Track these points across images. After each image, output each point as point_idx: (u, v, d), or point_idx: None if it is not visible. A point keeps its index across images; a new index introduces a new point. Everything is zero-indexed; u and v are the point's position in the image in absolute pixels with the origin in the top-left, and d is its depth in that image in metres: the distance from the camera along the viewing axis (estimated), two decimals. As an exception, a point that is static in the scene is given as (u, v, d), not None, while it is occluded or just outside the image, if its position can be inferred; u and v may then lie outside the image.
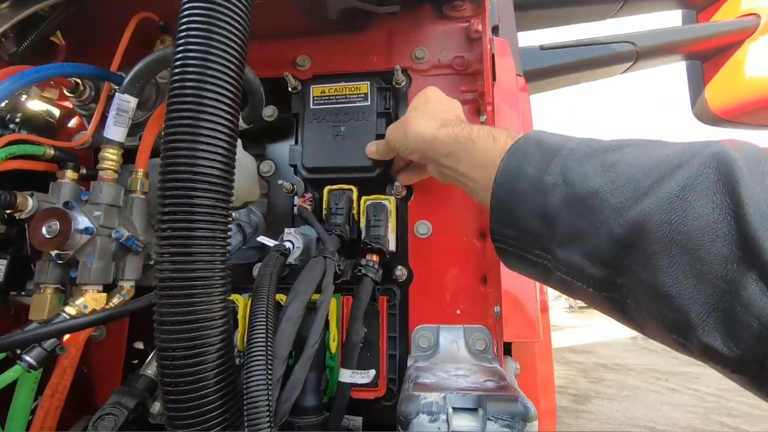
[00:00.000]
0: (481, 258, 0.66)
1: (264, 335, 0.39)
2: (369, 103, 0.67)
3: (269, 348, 0.39)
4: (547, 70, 0.88)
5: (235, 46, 0.39)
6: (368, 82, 0.68)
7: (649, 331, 0.35)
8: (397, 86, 0.71)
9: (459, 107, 0.61)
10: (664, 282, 0.30)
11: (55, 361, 0.58)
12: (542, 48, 0.88)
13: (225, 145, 0.38)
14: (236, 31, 0.39)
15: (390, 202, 0.65)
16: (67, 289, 0.60)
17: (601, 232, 0.34)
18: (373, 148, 0.65)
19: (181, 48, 0.37)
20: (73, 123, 0.80)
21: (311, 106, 0.68)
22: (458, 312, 0.64)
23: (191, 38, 0.37)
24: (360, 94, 0.67)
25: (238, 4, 0.38)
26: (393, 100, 0.70)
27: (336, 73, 0.74)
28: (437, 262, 0.66)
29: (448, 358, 0.60)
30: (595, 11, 0.95)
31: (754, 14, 0.91)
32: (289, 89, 0.72)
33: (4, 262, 0.63)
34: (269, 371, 0.37)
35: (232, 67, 0.38)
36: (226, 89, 0.38)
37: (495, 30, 0.76)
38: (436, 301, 0.65)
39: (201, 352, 0.36)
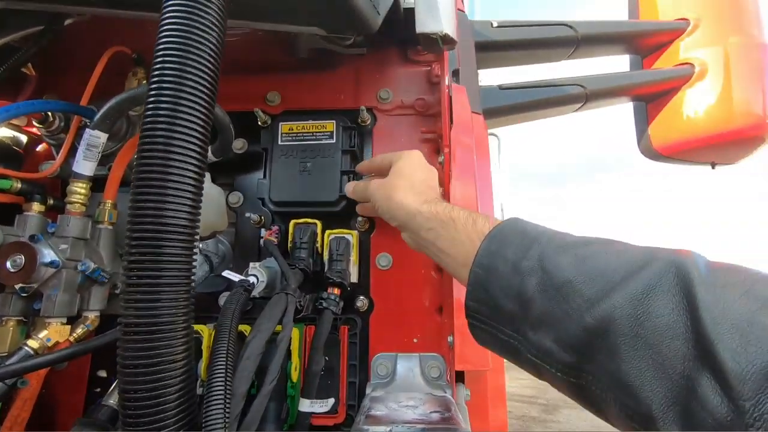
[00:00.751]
0: (438, 289, 0.70)
1: (223, 375, 0.42)
2: (334, 141, 0.71)
3: (228, 386, 0.42)
4: (504, 108, 0.94)
5: (204, 103, 0.42)
6: (334, 121, 0.72)
7: (611, 419, 0.37)
8: (363, 124, 0.75)
9: (437, 176, 0.64)
10: (628, 373, 0.32)
11: (15, 392, 0.59)
12: (501, 88, 0.95)
13: (192, 196, 0.41)
14: (205, 89, 0.42)
15: (353, 236, 0.69)
16: (30, 320, 0.61)
17: (572, 320, 0.36)
18: (351, 189, 0.67)
19: (152, 101, 0.40)
20: (40, 148, 0.80)
21: (279, 142, 0.72)
22: (415, 341, 0.68)
23: (162, 96, 0.40)
24: (326, 132, 0.71)
25: (209, 60, 0.42)
26: (358, 138, 0.74)
27: (305, 109, 0.77)
28: (397, 292, 0.70)
29: (405, 386, 0.64)
30: (551, 54, 1.02)
31: (690, 64, 1.01)
32: (259, 124, 0.75)
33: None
34: (227, 410, 0.40)
35: (200, 122, 0.41)
36: (194, 140, 0.41)
37: (455, 73, 0.81)
38: (395, 330, 0.69)
39: (162, 393, 0.38)
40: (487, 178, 0.82)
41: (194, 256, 0.42)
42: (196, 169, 0.41)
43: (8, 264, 0.55)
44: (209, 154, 0.71)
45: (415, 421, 0.44)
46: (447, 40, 0.62)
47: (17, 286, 0.57)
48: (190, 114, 0.41)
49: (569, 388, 0.39)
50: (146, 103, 0.40)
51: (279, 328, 0.53)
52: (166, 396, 0.39)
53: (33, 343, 0.55)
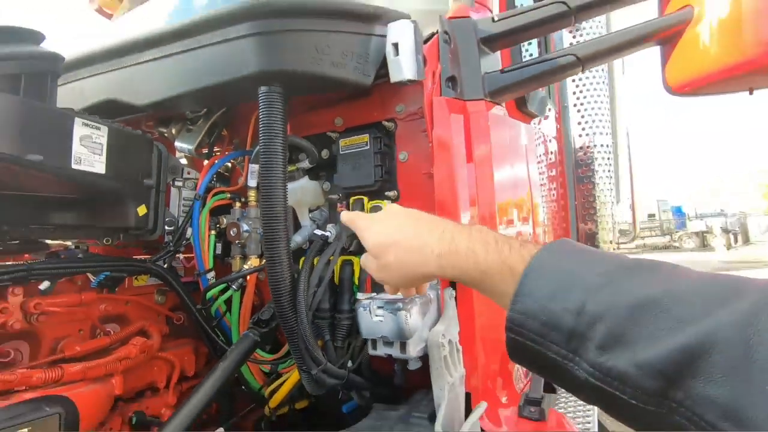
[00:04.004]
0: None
1: (292, 284, 0.98)
2: (368, 147, 1.17)
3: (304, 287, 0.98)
4: (509, 86, 1.21)
5: (282, 158, 0.95)
6: (368, 135, 1.17)
7: None
8: (389, 131, 1.18)
9: (415, 215, 0.70)
10: (738, 399, 0.30)
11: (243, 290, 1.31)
12: (502, 72, 1.21)
13: (282, 204, 0.96)
14: (281, 151, 0.95)
15: (384, 204, 1.16)
16: (246, 257, 1.31)
17: (661, 341, 0.34)
18: (345, 217, 0.82)
19: (263, 160, 0.96)
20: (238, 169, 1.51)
21: (341, 152, 1.22)
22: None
23: (265, 147, 0.95)
24: (364, 141, 1.18)
25: (280, 130, 0.94)
26: (387, 139, 1.18)
27: (357, 126, 1.24)
28: (414, 235, 1.15)
29: (417, 288, 1.11)
30: (555, 27, 1.18)
31: (689, 6, 1.01)
32: (332, 139, 1.26)
33: (220, 245, 1.37)
34: (298, 295, 0.96)
35: (280, 157, 0.95)
36: (281, 173, 0.95)
37: (450, 80, 1.14)
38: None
39: (283, 298, 0.97)
40: (489, 162, 1.13)
41: (289, 228, 0.98)
42: (281, 184, 0.96)
43: (231, 232, 1.24)
44: (307, 163, 1.27)
45: (388, 299, 0.92)
46: (412, 82, 0.99)
47: (236, 242, 1.26)
48: (276, 156, 0.95)
49: (644, 416, 0.36)
50: (260, 153, 0.97)
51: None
52: (282, 285, 0.97)
53: (245, 266, 1.24)
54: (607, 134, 2.58)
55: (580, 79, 2.58)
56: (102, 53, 1.12)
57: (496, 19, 1.20)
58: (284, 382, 1.29)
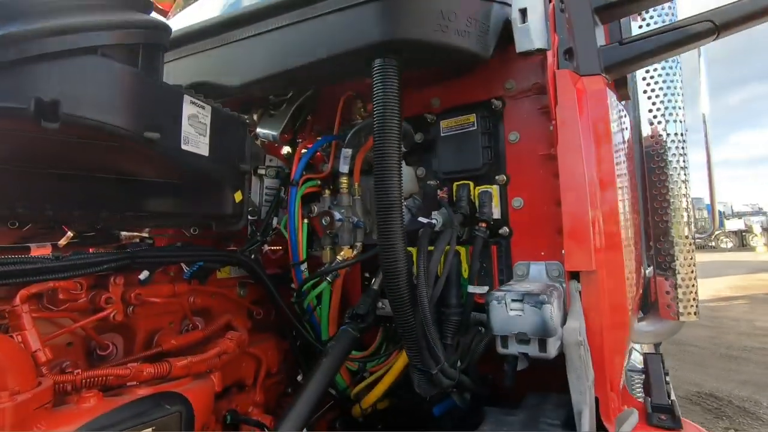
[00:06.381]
0: (557, 218, 1.01)
1: (408, 275, 0.89)
2: (476, 127, 1.07)
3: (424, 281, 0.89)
4: (627, 61, 1.09)
5: (396, 132, 0.87)
6: (474, 114, 1.08)
7: None
8: (495, 110, 1.08)
9: None
10: None
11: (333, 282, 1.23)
12: (621, 43, 1.09)
13: (399, 180, 0.87)
14: (396, 127, 0.87)
15: (493, 189, 1.06)
16: (336, 248, 1.23)
17: None
18: None
19: (377, 134, 0.88)
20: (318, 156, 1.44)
21: (442, 134, 1.13)
22: (543, 253, 1.03)
23: (381, 127, 0.87)
24: (470, 122, 1.08)
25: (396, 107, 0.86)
26: (493, 120, 1.08)
27: (456, 106, 1.15)
28: (528, 222, 1.05)
29: (534, 281, 1.01)
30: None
31: None
32: (429, 122, 1.17)
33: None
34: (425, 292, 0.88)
35: (396, 140, 0.87)
36: (397, 147, 0.87)
37: (567, 52, 1.04)
38: (528, 247, 1.05)
39: (398, 276, 0.89)
40: (609, 147, 1.02)
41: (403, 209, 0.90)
42: (398, 167, 0.87)
43: (323, 221, 1.17)
44: (401, 147, 1.18)
45: (521, 291, 0.83)
46: (541, 51, 0.89)
47: (328, 232, 1.19)
48: (392, 137, 0.87)
49: None
50: (374, 134, 0.88)
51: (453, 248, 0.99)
52: (400, 278, 0.89)
53: (338, 258, 1.16)
54: (681, 122, 2.40)
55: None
56: (196, 32, 1.06)
57: (613, -14, 1.09)
58: (374, 381, 1.22)
